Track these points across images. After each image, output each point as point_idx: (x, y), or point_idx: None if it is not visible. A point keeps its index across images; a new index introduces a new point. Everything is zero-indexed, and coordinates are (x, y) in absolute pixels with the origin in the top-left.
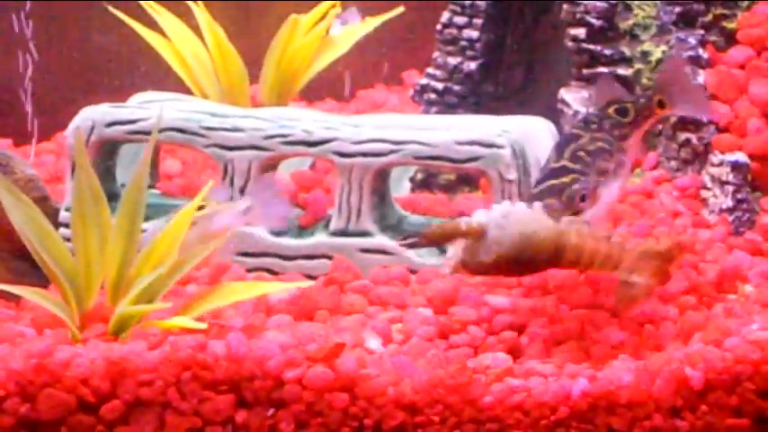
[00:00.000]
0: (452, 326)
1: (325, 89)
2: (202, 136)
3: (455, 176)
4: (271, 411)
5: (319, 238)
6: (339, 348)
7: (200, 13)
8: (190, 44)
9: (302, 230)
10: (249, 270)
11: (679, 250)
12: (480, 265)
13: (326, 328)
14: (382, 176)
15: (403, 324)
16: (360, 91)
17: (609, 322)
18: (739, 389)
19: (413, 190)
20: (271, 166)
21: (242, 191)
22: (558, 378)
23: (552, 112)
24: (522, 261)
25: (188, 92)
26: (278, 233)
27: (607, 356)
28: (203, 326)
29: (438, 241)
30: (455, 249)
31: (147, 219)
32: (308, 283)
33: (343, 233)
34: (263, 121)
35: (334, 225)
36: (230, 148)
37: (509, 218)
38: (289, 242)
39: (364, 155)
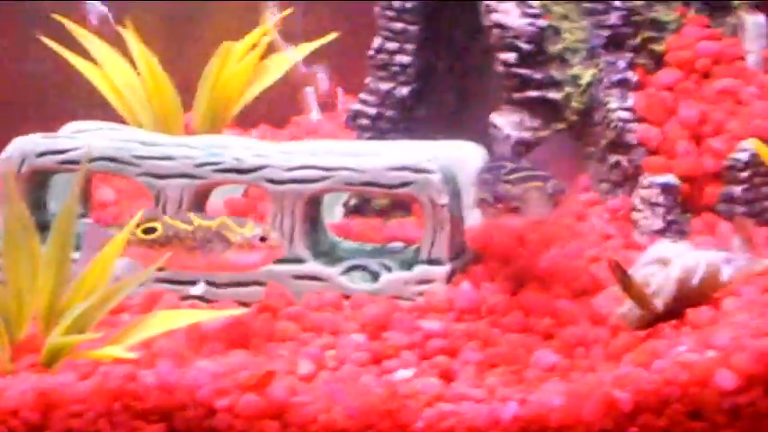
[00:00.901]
0: (385, 351)
1: (260, 115)
2: (134, 165)
3: (389, 202)
4: None
5: None
6: (270, 376)
7: (133, 41)
8: (122, 72)
9: None
10: (183, 298)
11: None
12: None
13: (260, 355)
14: (314, 203)
15: (336, 350)
16: (294, 117)
17: (541, 345)
18: (668, 411)
19: (346, 215)
20: (203, 193)
21: None
22: (490, 402)
23: (484, 136)
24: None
25: (122, 120)
26: None
27: (540, 380)
28: (134, 355)
29: (626, 292)
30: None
31: (78, 248)
32: (241, 311)
33: (277, 260)
34: (193, 149)
35: None
36: (162, 177)
37: (693, 295)
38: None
39: (296, 182)
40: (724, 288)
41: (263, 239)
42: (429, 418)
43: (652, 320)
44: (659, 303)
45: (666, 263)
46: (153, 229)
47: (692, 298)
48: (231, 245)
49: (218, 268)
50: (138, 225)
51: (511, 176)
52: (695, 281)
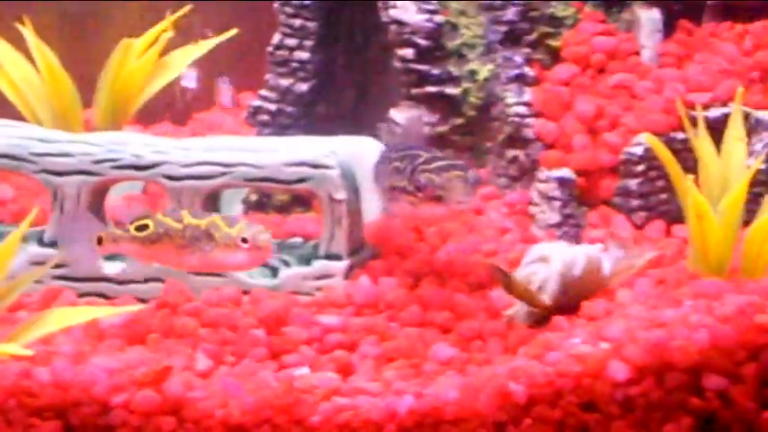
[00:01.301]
0: (284, 346)
1: (162, 112)
2: (31, 162)
3: (289, 197)
4: None
5: None
6: (166, 372)
7: (31, 37)
8: (21, 69)
9: None
10: (81, 295)
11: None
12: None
13: (158, 351)
14: (213, 199)
15: (235, 345)
16: (196, 113)
17: (439, 339)
18: (562, 402)
19: (246, 212)
20: (101, 190)
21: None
22: (386, 396)
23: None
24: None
25: (21, 117)
26: (110, 257)
27: (437, 373)
28: (29, 352)
29: (510, 292)
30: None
31: None
32: (139, 307)
33: None
34: (91, 145)
35: None
36: (59, 174)
37: (578, 287)
38: (120, 266)
39: (194, 178)
40: (608, 281)
41: (244, 240)
42: (325, 412)
43: (542, 316)
44: (545, 298)
45: (547, 260)
46: (145, 226)
47: (578, 291)
48: (218, 245)
49: (206, 267)
50: (131, 222)
51: (431, 165)
52: (577, 272)
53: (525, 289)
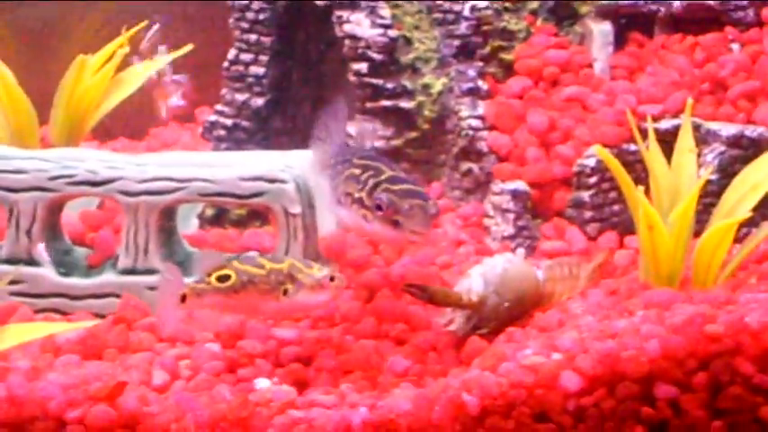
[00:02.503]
0: (240, 360)
1: (118, 128)
2: None
3: (246, 212)
4: None
5: (107, 277)
6: (121, 387)
7: None
8: None
9: (90, 270)
10: (37, 311)
11: (608, 257)
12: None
13: (114, 366)
14: (168, 214)
15: (191, 360)
16: (152, 129)
17: (394, 351)
18: (515, 413)
19: (202, 226)
20: (57, 206)
21: (28, 232)
22: (340, 408)
23: None
24: (515, 314)
25: None
26: (65, 273)
27: (392, 385)
28: None
29: (438, 303)
30: (457, 314)
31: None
32: (96, 323)
33: (131, 271)
34: (46, 162)
35: (121, 263)
36: (15, 190)
37: (505, 284)
38: (77, 282)
39: (149, 193)
40: (547, 287)
41: (332, 279)
42: (280, 426)
43: (480, 319)
44: (473, 296)
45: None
46: (227, 277)
47: (514, 294)
48: (303, 286)
49: (291, 311)
50: (209, 273)
51: (394, 187)
52: (498, 270)
53: (446, 293)
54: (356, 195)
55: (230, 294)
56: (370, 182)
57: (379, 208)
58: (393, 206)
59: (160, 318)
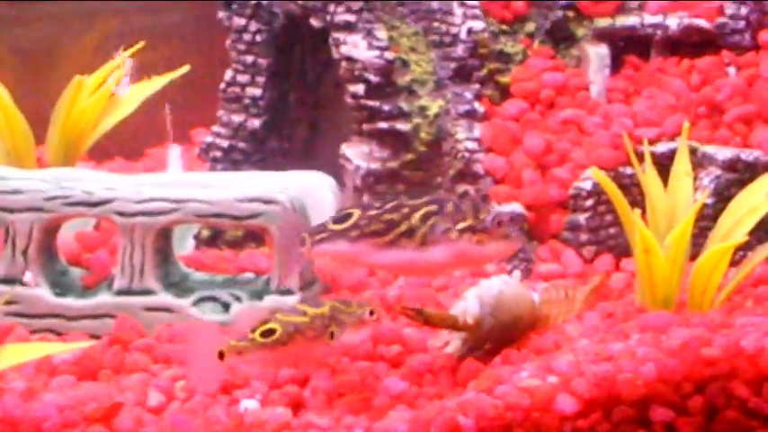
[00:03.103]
0: (236, 381)
1: (114, 148)
2: None
3: (242, 233)
4: None
5: (103, 298)
6: (117, 408)
7: None
8: None
9: (86, 290)
10: (33, 331)
11: (604, 280)
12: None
13: (109, 387)
14: (165, 235)
15: (186, 381)
16: (148, 149)
17: (390, 373)
18: None
19: (197, 247)
20: (53, 227)
21: (24, 253)
22: (336, 430)
23: (336, 167)
24: (510, 337)
25: None
26: (61, 293)
27: (388, 407)
28: None
29: (434, 326)
30: (453, 336)
31: None
32: (91, 343)
33: (127, 292)
34: (43, 182)
35: (117, 284)
36: (11, 211)
37: (501, 307)
38: (72, 302)
39: (146, 214)
40: (542, 309)
41: (371, 313)
42: None
43: (477, 341)
44: (469, 318)
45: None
46: (271, 331)
47: (510, 316)
48: (346, 326)
49: (336, 353)
50: (253, 330)
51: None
52: (493, 291)
53: (442, 316)
54: (462, 226)
55: (277, 348)
56: (457, 211)
57: (499, 224)
58: (500, 220)
59: (195, 377)
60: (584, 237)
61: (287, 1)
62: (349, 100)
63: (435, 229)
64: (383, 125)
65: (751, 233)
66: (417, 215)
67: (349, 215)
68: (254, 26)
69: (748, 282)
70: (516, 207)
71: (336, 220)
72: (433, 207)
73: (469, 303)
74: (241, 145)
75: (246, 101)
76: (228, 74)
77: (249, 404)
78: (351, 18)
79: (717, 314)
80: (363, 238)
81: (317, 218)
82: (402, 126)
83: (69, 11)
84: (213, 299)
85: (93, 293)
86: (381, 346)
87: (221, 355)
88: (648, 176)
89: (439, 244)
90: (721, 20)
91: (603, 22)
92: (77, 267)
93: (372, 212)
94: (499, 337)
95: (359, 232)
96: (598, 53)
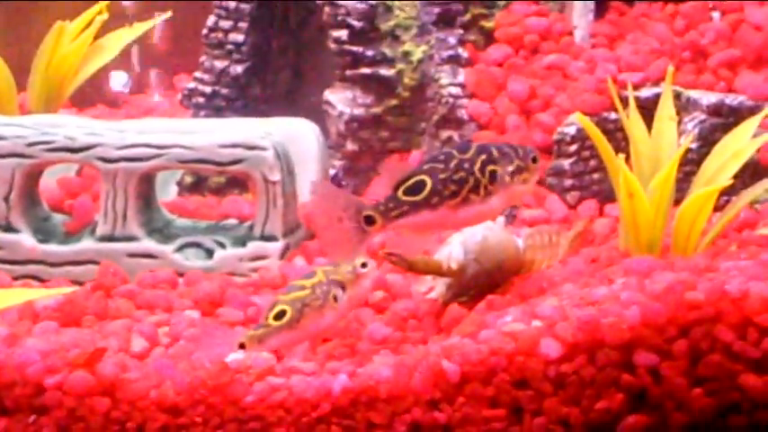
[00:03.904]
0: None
1: (96, 95)
2: None
3: (225, 179)
4: (32, 418)
5: (86, 244)
6: (100, 353)
7: None
8: None
9: (69, 237)
10: (16, 278)
11: (588, 225)
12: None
13: (92, 333)
14: (147, 181)
15: (170, 327)
16: (131, 96)
17: (374, 319)
18: (495, 380)
19: (180, 193)
20: (35, 173)
21: (6, 199)
22: (320, 375)
23: (319, 113)
24: (495, 282)
25: None
26: (44, 240)
27: (372, 353)
28: None
29: (418, 272)
30: (438, 282)
31: None
32: (74, 290)
33: (110, 238)
34: (25, 128)
35: (100, 230)
36: None
37: (485, 252)
38: (55, 249)
39: (128, 160)
40: (526, 254)
41: (363, 265)
42: (259, 392)
43: (461, 287)
44: (453, 264)
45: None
46: (282, 312)
47: (494, 262)
48: (345, 284)
49: (350, 309)
50: (265, 317)
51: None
52: (477, 238)
53: (426, 261)
54: (511, 169)
55: (293, 326)
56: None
57: (534, 160)
58: (534, 155)
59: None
60: (568, 182)
61: None
62: (332, 45)
63: (494, 178)
64: (366, 71)
65: (735, 177)
66: (476, 168)
67: (421, 183)
68: None
69: (732, 226)
70: None
71: (409, 191)
72: (485, 155)
73: (453, 249)
74: (224, 91)
75: (229, 47)
76: (211, 19)
77: (236, 355)
78: None
79: (701, 258)
80: (442, 203)
81: (300, 164)
82: (385, 71)
83: None
84: (196, 245)
85: (76, 239)
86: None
87: (242, 347)
88: (633, 121)
89: (499, 191)
90: None
91: None
92: (60, 213)
93: (442, 176)
94: (483, 282)
95: (438, 198)
96: None
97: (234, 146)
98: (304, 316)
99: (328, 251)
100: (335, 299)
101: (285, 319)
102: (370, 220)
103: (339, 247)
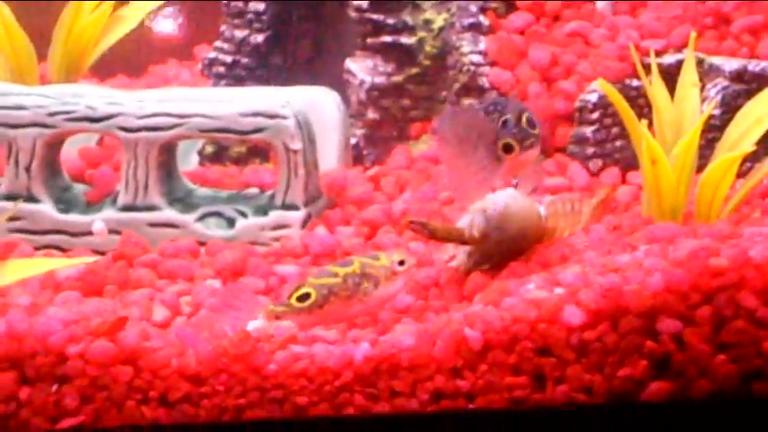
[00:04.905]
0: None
1: (117, 65)
2: None
3: (246, 149)
4: (55, 387)
5: (107, 214)
6: (122, 322)
7: None
8: None
9: (89, 206)
10: (37, 248)
11: (611, 192)
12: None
13: (114, 302)
14: (168, 150)
15: (191, 296)
16: (151, 66)
17: None
18: (517, 347)
19: (201, 163)
20: (56, 143)
21: (27, 169)
22: (342, 344)
23: (340, 82)
24: (517, 250)
25: None
26: (65, 209)
27: (394, 321)
28: None
29: (440, 239)
30: (460, 250)
31: None
32: (96, 259)
33: (131, 208)
34: (46, 98)
35: (121, 200)
36: (13, 126)
37: (507, 220)
38: (77, 219)
39: (149, 129)
40: (548, 222)
41: (401, 263)
42: (281, 361)
43: (483, 255)
44: (475, 231)
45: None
46: (307, 295)
47: (516, 229)
48: (379, 280)
49: (375, 308)
50: (289, 296)
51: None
52: (499, 207)
53: (448, 229)
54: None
55: (314, 311)
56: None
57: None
58: None
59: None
60: (590, 150)
61: None
62: (353, 14)
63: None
64: (387, 39)
65: (758, 143)
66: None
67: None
68: None
69: (756, 192)
70: None
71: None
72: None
73: (476, 217)
74: (244, 60)
75: (249, 16)
76: None
77: (256, 323)
78: None
79: (724, 225)
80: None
81: (321, 133)
82: (406, 40)
83: None
84: (218, 214)
85: (97, 209)
86: None
87: None
88: (655, 88)
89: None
90: None
91: None
92: (81, 183)
93: None
94: (506, 250)
95: None
96: None
97: (255, 114)
98: (328, 303)
99: (455, 183)
100: (365, 293)
101: (307, 303)
102: (508, 148)
103: (470, 177)
